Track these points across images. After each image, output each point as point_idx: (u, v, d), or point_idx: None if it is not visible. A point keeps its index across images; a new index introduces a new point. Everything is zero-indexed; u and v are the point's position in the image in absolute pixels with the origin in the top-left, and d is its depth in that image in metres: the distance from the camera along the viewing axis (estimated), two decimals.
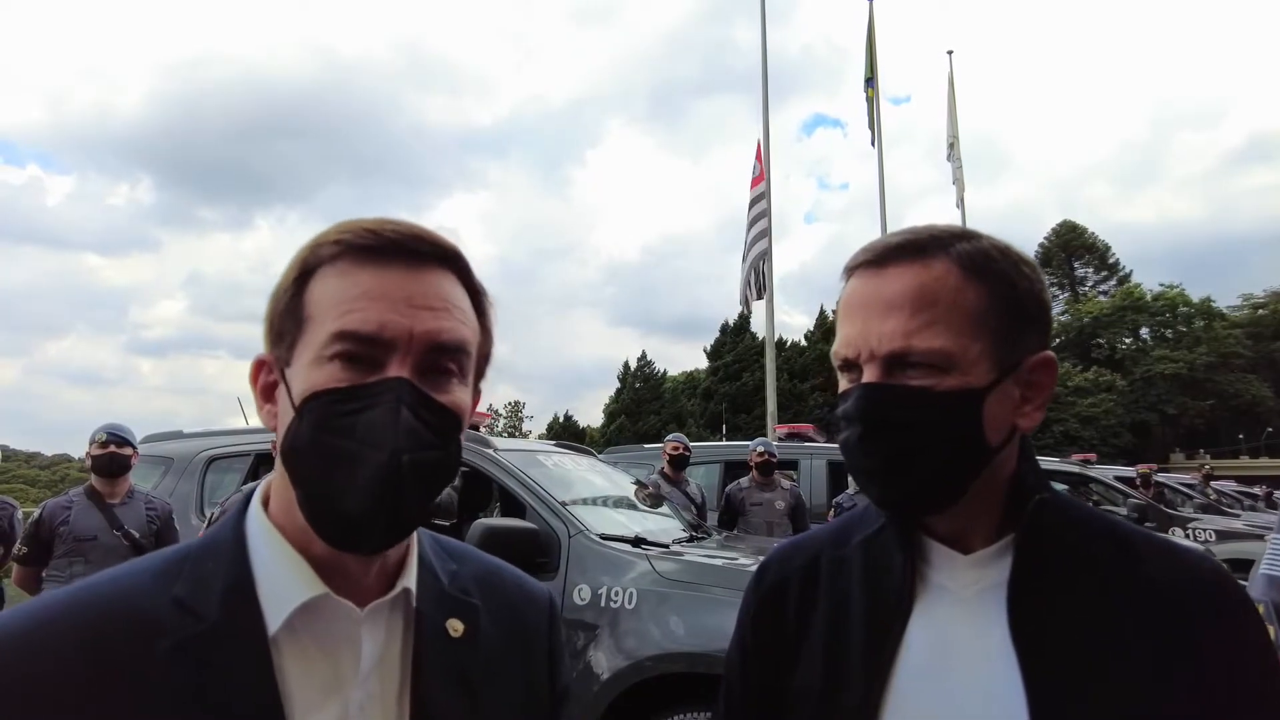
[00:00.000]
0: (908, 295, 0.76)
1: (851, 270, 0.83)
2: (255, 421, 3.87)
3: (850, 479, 6.97)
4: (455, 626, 0.75)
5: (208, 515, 3.48)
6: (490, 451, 3.98)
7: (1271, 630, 1.05)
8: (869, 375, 0.78)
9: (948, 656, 0.78)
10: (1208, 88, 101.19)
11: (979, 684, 0.76)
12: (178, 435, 5.22)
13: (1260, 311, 51.48)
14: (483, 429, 5.00)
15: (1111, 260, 56.95)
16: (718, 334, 49.36)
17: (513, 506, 3.96)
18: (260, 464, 4.73)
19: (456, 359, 0.71)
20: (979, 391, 0.76)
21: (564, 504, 3.67)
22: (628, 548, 3.44)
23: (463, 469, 5.69)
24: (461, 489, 6.51)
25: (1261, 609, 1.07)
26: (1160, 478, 11.28)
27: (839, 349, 0.81)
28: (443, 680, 0.72)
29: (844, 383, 0.82)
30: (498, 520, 3.60)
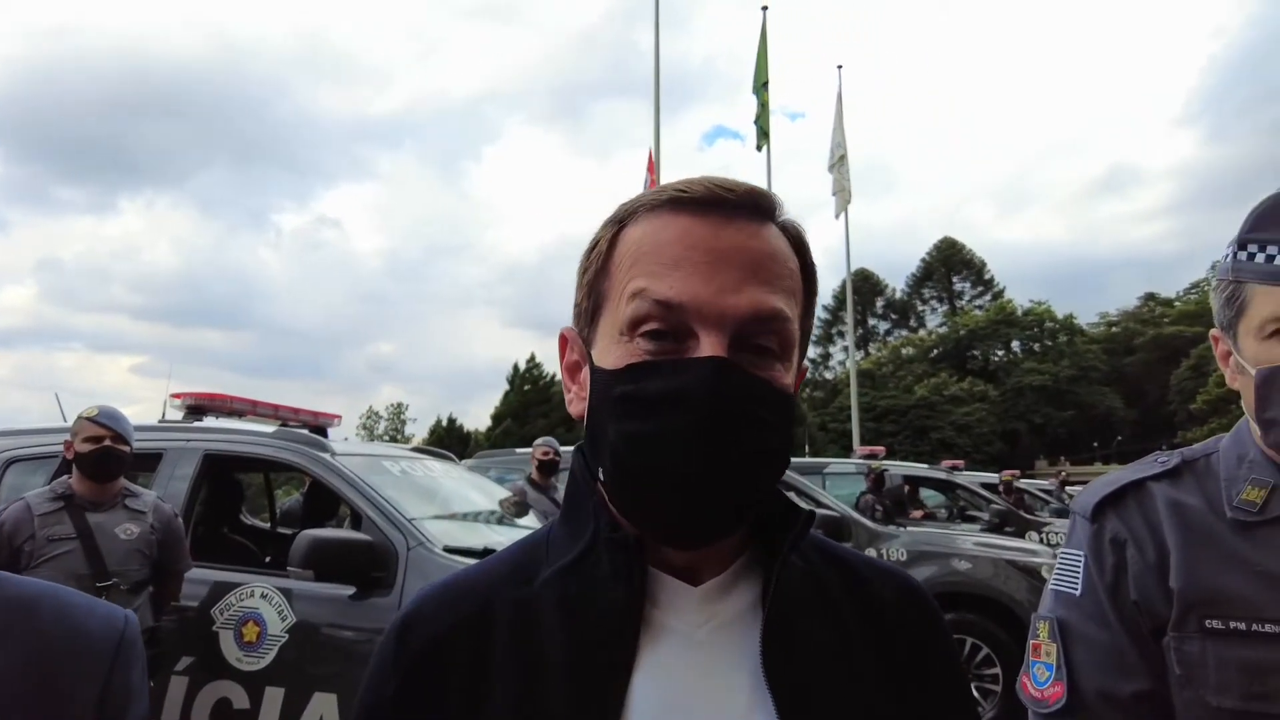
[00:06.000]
0: None
1: None
2: (72, 420, 3.39)
3: None
4: None
5: None
6: (326, 456, 3.65)
7: (1054, 648, 0.98)
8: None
9: (685, 712, 0.63)
10: (1076, 119, 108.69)
11: None
12: None
13: (1114, 329, 55.72)
14: (358, 433, 4.63)
15: (988, 276, 60.27)
16: None
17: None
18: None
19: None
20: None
21: (406, 514, 3.39)
22: (474, 561, 3.20)
23: (310, 477, 5.29)
24: (308, 495, 6.10)
25: (1046, 626, 1.01)
26: (1021, 483, 11.84)
27: None
28: None
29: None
30: (325, 531, 3.28)
